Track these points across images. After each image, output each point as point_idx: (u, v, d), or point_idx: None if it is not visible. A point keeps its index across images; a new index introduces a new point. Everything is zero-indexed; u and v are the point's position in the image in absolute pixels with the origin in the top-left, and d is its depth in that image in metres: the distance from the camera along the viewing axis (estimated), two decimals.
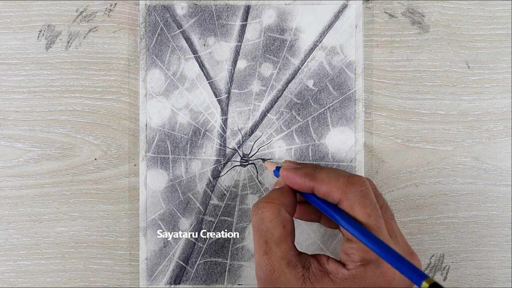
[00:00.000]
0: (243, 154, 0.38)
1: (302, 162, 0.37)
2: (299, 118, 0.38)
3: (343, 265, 0.29)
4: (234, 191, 0.38)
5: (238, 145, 0.38)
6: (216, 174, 0.38)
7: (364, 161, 0.38)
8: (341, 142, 0.38)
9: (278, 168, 0.33)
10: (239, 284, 0.38)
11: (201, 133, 0.38)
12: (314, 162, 0.38)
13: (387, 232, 0.29)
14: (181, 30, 0.38)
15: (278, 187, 0.32)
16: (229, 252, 0.38)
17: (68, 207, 0.38)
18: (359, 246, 0.28)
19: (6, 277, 0.38)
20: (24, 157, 0.38)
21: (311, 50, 0.38)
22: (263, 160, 0.37)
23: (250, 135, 0.38)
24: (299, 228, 0.38)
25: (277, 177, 0.33)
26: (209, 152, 0.38)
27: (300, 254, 0.29)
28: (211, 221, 0.38)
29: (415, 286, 0.25)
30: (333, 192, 0.29)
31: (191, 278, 0.38)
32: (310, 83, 0.38)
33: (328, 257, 0.30)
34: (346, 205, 0.28)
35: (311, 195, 0.30)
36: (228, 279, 0.38)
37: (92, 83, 0.39)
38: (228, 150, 0.38)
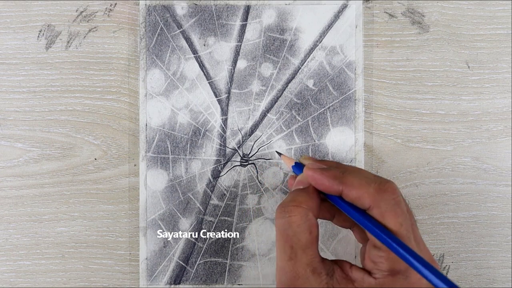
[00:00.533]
0: (243, 154, 0.38)
1: (322, 159, 0.35)
2: (299, 118, 0.38)
3: (369, 273, 0.28)
4: (234, 191, 0.38)
5: (238, 145, 0.38)
6: (216, 174, 0.38)
7: (364, 161, 0.38)
8: (341, 142, 0.38)
9: (297, 165, 0.32)
10: (239, 284, 0.38)
11: (201, 133, 0.38)
12: None
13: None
14: (181, 30, 0.38)
15: (301, 187, 0.30)
16: (229, 252, 0.38)
17: (68, 207, 0.38)
18: (388, 255, 0.27)
19: (6, 277, 0.38)
20: (24, 157, 0.38)
21: (311, 50, 0.38)
22: (279, 154, 0.35)
23: (250, 135, 0.38)
24: None
25: (296, 173, 0.32)
26: (209, 152, 0.38)
27: (323, 260, 0.29)
28: (211, 221, 0.38)
29: None
30: (364, 198, 0.28)
31: (191, 278, 0.38)
32: (310, 83, 0.38)
33: (351, 264, 0.29)
34: (377, 213, 0.27)
35: (337, 198, 0.29)
36: (228, 279, 0.38)
37: (92, 83, 0.39)
38: (228, 150, 0.38)
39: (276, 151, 0.37)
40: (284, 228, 0.28)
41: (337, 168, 0.29)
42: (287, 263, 0.28)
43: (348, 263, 0.29)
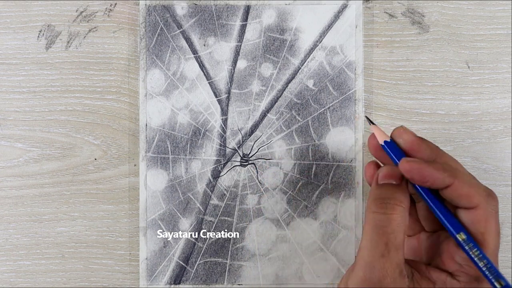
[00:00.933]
0: (243, 154, 0.38)
1: (420, 137, 0.30)
2: (299, 118, 0.38)
3: (450, 274, 0.27)
4: (234, 191, 0.38)
5: (238, 145, 0.38)
6: (216, 174, 0.38)
7: (364, 161, 0.38)
8: (341, 142, 0.38)
9: (391, 142, 0.29)
10: (239, 284, 0.38)
11: (201, 133, 0.38)
12: (314, 163, 0.38)
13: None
14: (181, 30, 0.38)
15: (393, 181, 0.29)
16: (229, 252, 0.38)
17: (68, 207, 0.38)
18: None
19: (6, 277, 0.38)
20: (24, 157, 0.38)
21: (311, 50, 0.38)
22: (371, 122, 0.31)
23: (250, 135, 0.38)
24: (299, 228, 0.38)
25: (386, 150, 0.29)
26: (209, 152, 0.38)
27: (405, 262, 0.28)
28: (211, 221, 0.38)
29: None
30: (474, 196, 0.27)
31: (191, 278, 0.38)
32: (310, 83, 0.38)
33: (426, 265, 0.29)
34: (481, 214, 0.27)
35: (431, 193, 0.28)
36: (228, 279, 0.38)
37: (92, 83, 0.39)
38: (228, 150, 0.38)
39: (366, 117, 0.33)
40: (383, 224, 0.27)
41: (438, 162, 0.28)
42: (379, 259, 0.27)
43: (421, 263, 0.29)
